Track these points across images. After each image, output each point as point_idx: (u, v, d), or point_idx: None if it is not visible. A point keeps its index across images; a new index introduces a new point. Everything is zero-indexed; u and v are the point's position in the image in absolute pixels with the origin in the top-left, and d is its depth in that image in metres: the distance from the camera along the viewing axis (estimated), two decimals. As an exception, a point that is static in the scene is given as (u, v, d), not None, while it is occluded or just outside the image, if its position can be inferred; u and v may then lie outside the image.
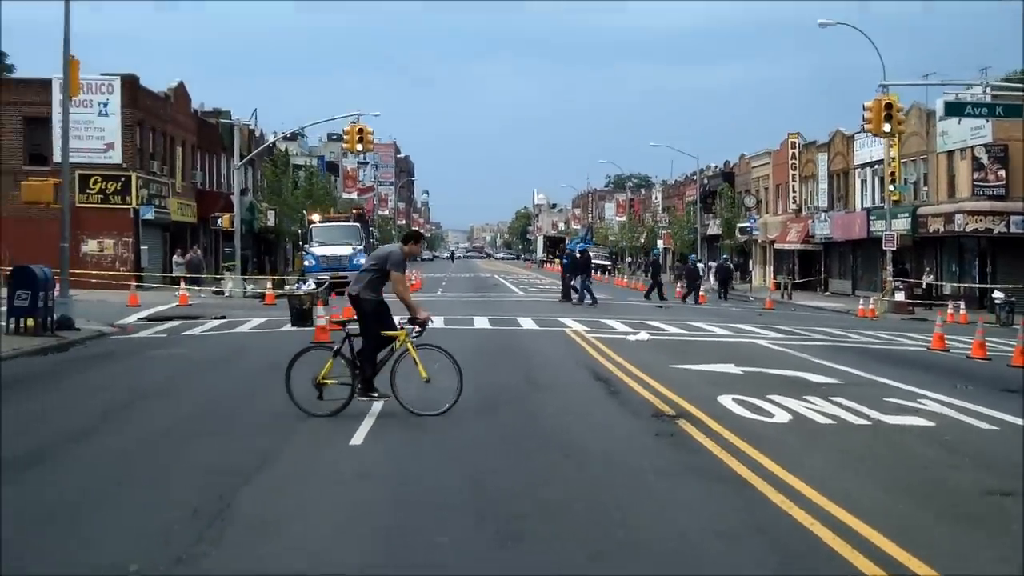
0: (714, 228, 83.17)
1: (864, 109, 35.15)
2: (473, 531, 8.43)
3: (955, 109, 36.01)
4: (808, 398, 15.69)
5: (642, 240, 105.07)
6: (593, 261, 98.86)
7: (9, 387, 16.38)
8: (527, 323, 30.42)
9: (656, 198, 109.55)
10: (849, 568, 7.56)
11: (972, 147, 49.18)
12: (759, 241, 77.20)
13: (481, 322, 30.41)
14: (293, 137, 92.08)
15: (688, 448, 11.91)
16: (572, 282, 42.81)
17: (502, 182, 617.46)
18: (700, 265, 63.72)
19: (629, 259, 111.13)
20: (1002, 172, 48.43)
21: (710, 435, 12.53)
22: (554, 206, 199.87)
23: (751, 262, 78.85)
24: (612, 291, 60.65)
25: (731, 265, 63.26)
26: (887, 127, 34.81)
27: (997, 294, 40.19)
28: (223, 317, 31.38)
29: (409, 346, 14.12)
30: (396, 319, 14.57)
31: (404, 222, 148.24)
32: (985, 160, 48.90)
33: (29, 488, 9.74)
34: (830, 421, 13.85)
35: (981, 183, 48.68)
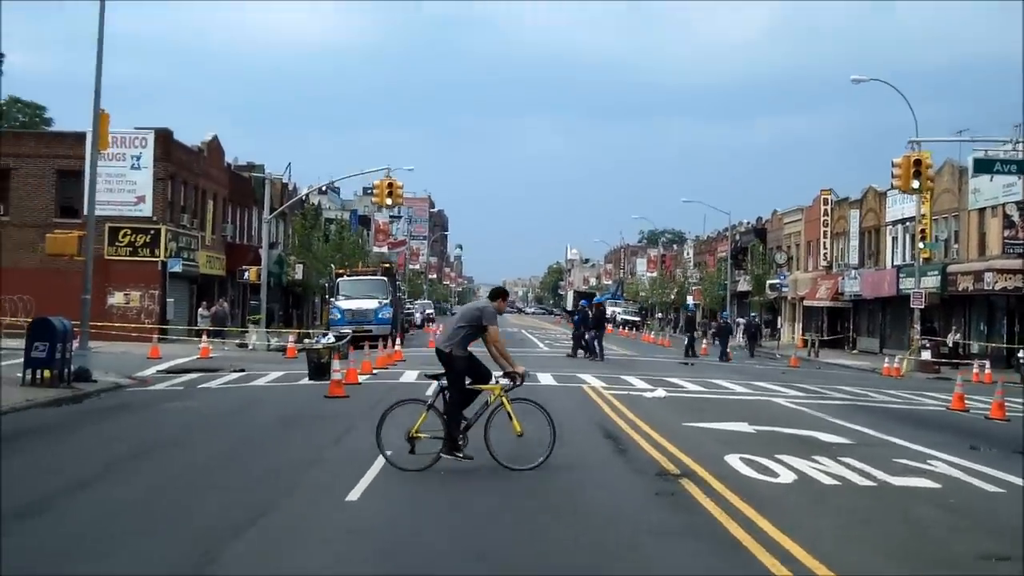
0: (744, 284, 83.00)
1: (893, 165, 35.08)
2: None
3: (984, 166, 35.87)
4: (817, 458, 15.55)
5: (672, 296, 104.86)
6: (620, 317, 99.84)
7: (18, 438, 16.48)
8: (546, 379, 30.35)
9: (688, 254, 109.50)
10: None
11: (1003, 204, 48.94)
12: (789, 298, 76.93)
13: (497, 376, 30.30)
14: (326, 191, 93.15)
15: (687, 508, 11.81)
16: (586, 337, 42.61)
17: (536, 237, 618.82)
18: (731, 322, 63.68)
19: (660, 315, 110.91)
20: (1032, 230, 48.07)
21: (711, 495, 12.42)
22: (587, 261, 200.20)
23: (780, 319, 78.53)
24: (638, 347, 60.60)
25: (759, 322, 63.01)
26: (916, 183, 34.71)
27: (1022, 353, 39.79)
28: (242, 370, 31.47)
29: (504, 400, 14.25)
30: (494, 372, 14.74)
31: (435, 276, 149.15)
32: (1016, 218, 48.52)
33: (16, 540, 9.74)
34: (835, 482, 13.72)
35: (1012, 241, 48.28)
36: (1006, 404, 23.98)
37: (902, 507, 12.26)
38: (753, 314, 65.68)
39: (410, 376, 30.26)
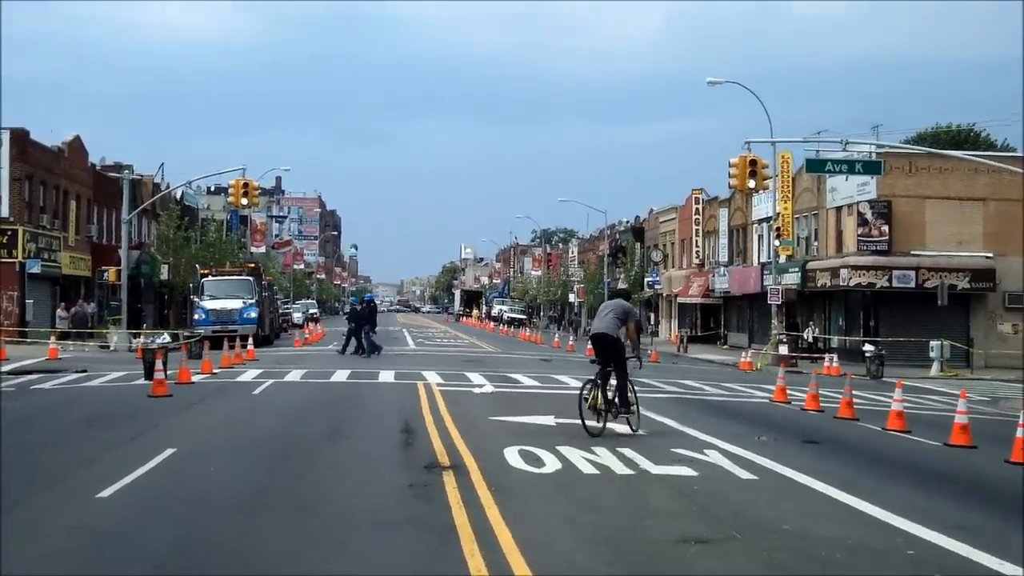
0: (624, 282, 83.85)
1: (730, 165, 35.68)
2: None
3: (816, 166, 36.68)
4: (595, 448, 15.87)
5: (558, 294, 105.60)
6: (507, 315, 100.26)
7: None
8: (387, 376, 30.43)
9: (572, 252, 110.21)
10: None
11: (858, 203, 50.22)
12: (664, 295, 77.94)
13: (341, 375, 30.39)
14: (218, 193, 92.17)
15: (428, 499, 12.00)
16: (359, 334, 42.36)
17: (433, 237, 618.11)
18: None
19: (551, 313, 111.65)
20: (885, 228, 49.38)
21: (463, 486, 12.62)
22: (480, 260, 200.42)
23: (657, 316, 79.49)
24: (510, 344, 60.90)
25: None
26: (751, 183, 35.35)
27: (868, 347, 40.86)
28: (84, 371, 31.07)
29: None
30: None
31: (324, 276, 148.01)
32: (869, 216, 49.89)
33: None
34: (595, 471, 14.03)
35: (866, 238, 49.63)
36: (850, 398, 23.14)
37: (641, 494, 12.59)
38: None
39: (250, 375, 30.16)
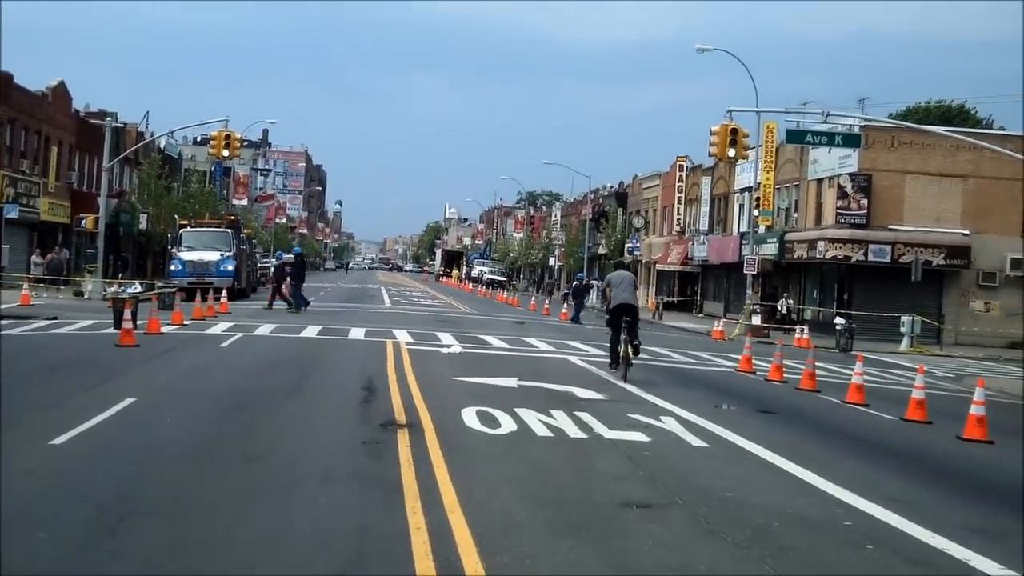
0: (604, 248, 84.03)
1: (711, 133, 35.76)
2: (73, 528, 8.55)
3: (796, 137, 36.83)
4: (553, 411, 16.00)
5: (539, 257, 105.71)
6: (487, 277, 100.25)
7: None
8: (357, 333, 30.52)
9: (556, 216, 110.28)
10: (405, 572, 7.77)
11: (839, 176, 50.32)
12: (644, 261, 78.10)
13: (311, 331, 30.45)
14: (203, 143, 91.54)
15: (380, 457, 12.10)
16: (284, 289, 42.18)
17: (418, 195, 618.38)
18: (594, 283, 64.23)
19: (532, 277, 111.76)
20: (865, 201, 49.50)
21: (417, 445, 12.72)
22: (464, 220, 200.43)
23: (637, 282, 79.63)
24: (486, 305, 60.98)
25: (588, 283, 63.02)
26: (731, 152, 35.46)
27: (838, 320, 41.13)
28: (54, 318, 31.08)
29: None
30: None
31: (306, 231, 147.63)
32: (849, 189, 49.99)
33: None
34: (549, 433, 14.15)
35: (844, 211, 49.76)
36: (813, 370, 23.45)
37: (591, 458, 12.72)
38: (580, 275, 66.14)
39: (220, 328, 30.21)
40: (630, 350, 21.86)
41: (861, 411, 19.94)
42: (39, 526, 8.52)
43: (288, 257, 44.63)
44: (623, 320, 22.07)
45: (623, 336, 22.00)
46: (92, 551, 8.03)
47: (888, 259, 48.04)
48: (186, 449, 12.12)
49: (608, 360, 23.54)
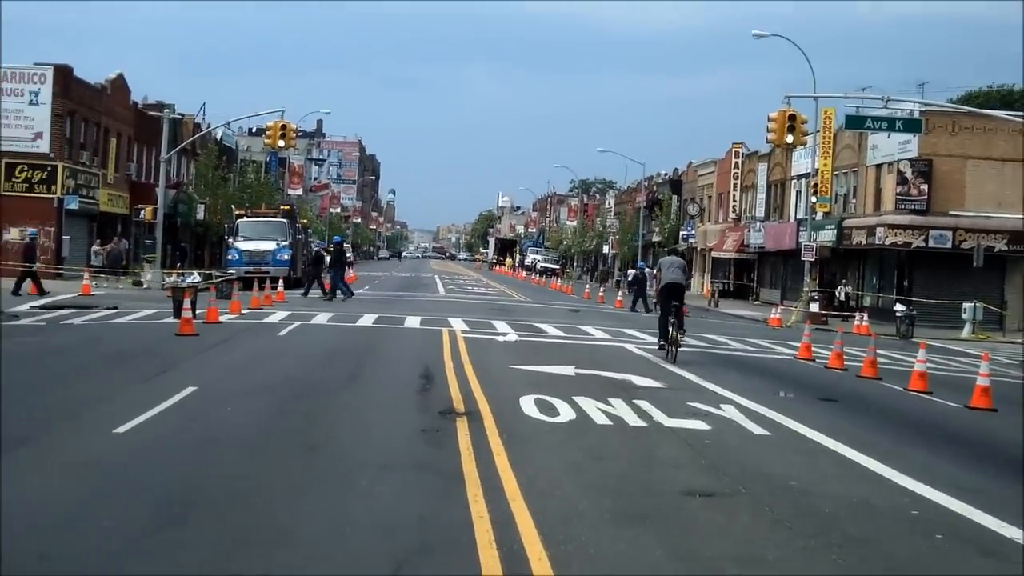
0: (659, 235, 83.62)
1: (769, 120, 35.40)
2: (139, 518, 8.58)
3: (856, 122, 36.46)
4: (611, 400, 15.90)
5: (592, 245, 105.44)
6: (540, 265, 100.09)
7: None
8: (412, 322, 30.57)
9: (609, 203, 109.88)
10: (469, 561, 7.72)
11: (898, 161, 49.70)
12: (699, 249, 77.68)
13: (367, 320, 30.55)
14: (259, 133, 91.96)
15: (440, 445, 12.06)
16: (324, 277, 42.09)
17: (471, 184, 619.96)
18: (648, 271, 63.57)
19: (585, 265, 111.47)
20: (925, 187, 48.87)
21: (476, 433, 12.70)
22: (517, 209, 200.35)
23: (690, 269, 79.20)
24: (540, 293, 60.87)
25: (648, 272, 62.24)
26: (789, 138, 35.06)
27: (898, 307, 40.63)
28: (115, 307, 31.37)
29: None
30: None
31: (360, 220, 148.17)
32: (909, 174, 49.36)
33: None
34: (608, 422, 14.07)
35: (904, 197, 49.14)
36: (874, 357, 22.95)
37: (652, 446, 12.62)
38: (641, 264, 65.82)
39: (277, 317, 30.39)
40: (679, 335, 23.01)
41: (924, 399, 19.66)
42: (106, 514, 8.56)
43: (330, 244, 44.69)
44: (672, 303, 23.24)
45: (671, 319, 23.12)
46: (159, 541, 8.05)
47: (949, 245, 47.40)
48: (247, 439, 12.17)
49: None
